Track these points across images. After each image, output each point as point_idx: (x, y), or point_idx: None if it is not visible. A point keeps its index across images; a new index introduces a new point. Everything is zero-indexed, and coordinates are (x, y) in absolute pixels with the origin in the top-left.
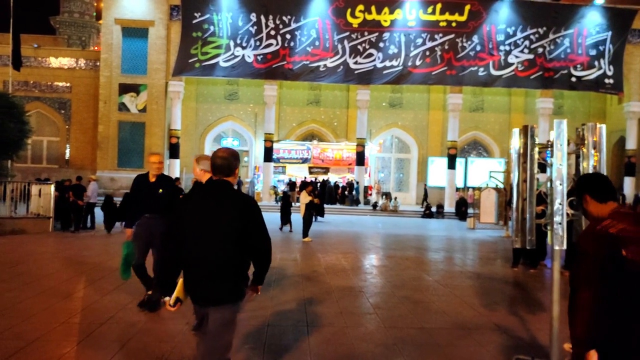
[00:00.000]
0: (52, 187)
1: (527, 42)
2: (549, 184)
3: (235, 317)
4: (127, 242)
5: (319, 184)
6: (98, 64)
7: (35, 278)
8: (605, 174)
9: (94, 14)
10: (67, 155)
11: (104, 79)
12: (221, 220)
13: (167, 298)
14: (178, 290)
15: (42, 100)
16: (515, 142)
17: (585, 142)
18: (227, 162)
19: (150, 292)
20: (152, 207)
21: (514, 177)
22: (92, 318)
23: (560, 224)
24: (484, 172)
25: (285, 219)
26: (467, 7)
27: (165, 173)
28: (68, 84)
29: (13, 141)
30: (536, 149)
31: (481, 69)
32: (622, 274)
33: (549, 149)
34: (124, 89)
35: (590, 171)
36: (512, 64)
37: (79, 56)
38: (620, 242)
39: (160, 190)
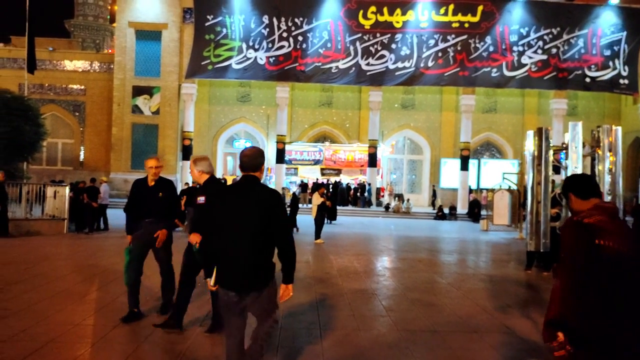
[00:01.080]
0: (67, 189)
1: (540, 43)
2: None
3: (272, 299)
4: (128, 248)
5: (330, 186)
6: (112, 66)
7: (50, 279)
8: (621, 176)
9: (108, 17)
10: (82, 157)
11: (117, 81)
12: (249, 211)
13: (209, 279)
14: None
15: (57, 103)
16: (530, 144)
17: (601, 144)
18: (252, 159)
19: (136, 310)
20: (153, 212)
21: (529, 180)
22: (105, 320)
23: None
24: (497, 174)
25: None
26: (480, 8)
27: (178, 175)
28: (82, 87)
29: (29, 143)
30: (551, 152)
31: (494, 70)
32: (595, 261)
33: (564, 151)
34: (138, 91)
35: (606, 174)
36: (525, 65)
37: (93, 59)
38: (594, 231)
39: (161, 194)
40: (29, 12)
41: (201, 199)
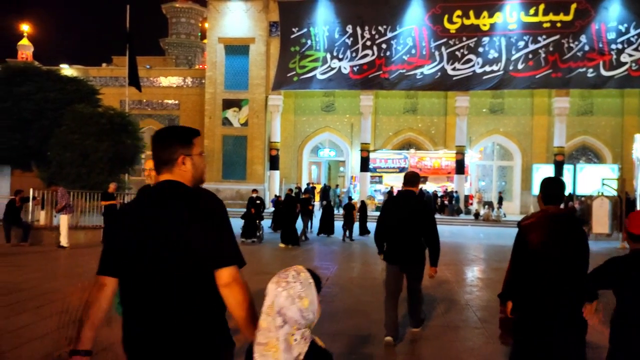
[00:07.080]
0: None
1: None
2: None
3: (423, 272)
4: None
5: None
6: (203, 81)
7: None
8: None
9: (199, 34)
10: None
11: (208, 95)
12: (409, 214)
13: (381, 254)
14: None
15: (154, 117)
16: (638, 148)
17: None
18: (411, 179)
19: None
20: None
21: (637, 186)
22: None
23: None
24: (595, 180)
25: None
26: (573, 6)
27: (266, 184)
28: (176, 102)
29: (129, 156)
30: None
31: (590, 70)
32: (524, 251)
33: None
34: (227, 104)
35: None
36: (625, 63)
37: (186, 75)
38: (526, 231)
39: None
40: (129, 34)
41: None
